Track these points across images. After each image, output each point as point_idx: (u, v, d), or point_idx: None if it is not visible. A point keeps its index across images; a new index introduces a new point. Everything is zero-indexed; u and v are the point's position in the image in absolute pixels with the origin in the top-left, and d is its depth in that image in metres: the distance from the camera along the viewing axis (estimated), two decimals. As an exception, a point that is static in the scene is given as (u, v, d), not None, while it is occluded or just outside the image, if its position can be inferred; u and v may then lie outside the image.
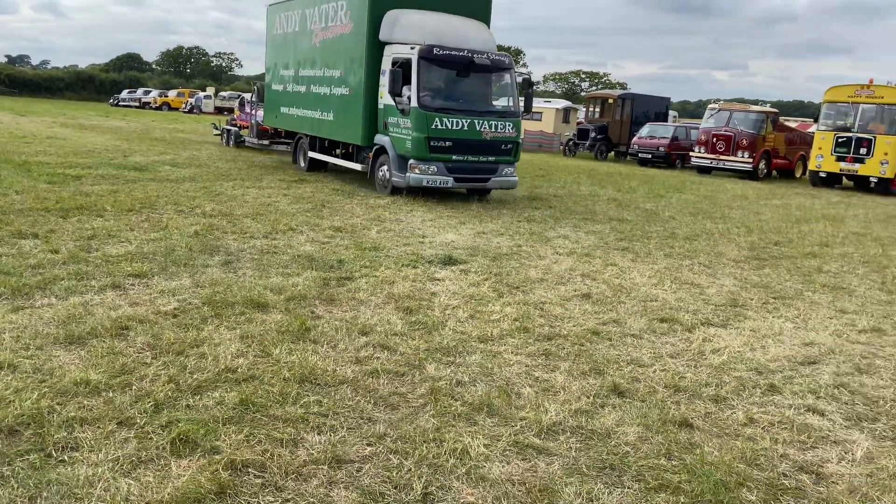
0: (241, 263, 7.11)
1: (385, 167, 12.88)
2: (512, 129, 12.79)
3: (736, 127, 24.73)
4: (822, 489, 3.54)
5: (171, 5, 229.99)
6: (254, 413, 3.86)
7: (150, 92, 63.73)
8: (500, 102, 13.52)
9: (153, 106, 57.76)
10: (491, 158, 12.67)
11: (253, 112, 20.99)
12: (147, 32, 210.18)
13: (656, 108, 32.67)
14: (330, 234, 9.02)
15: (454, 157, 12.27)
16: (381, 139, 12.96)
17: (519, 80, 13.53)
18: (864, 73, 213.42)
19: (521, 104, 13.52)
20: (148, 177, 13.14)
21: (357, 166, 14.06)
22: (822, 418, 4.38)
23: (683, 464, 3.65)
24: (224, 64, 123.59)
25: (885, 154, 21.42)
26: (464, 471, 3.46)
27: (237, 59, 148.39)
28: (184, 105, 55.12)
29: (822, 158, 22.79)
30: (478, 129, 12.36)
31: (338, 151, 15.17)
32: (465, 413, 4.07)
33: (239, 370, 4.40)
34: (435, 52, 12.14)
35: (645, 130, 28.96)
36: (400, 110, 12.26)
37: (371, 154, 13.28)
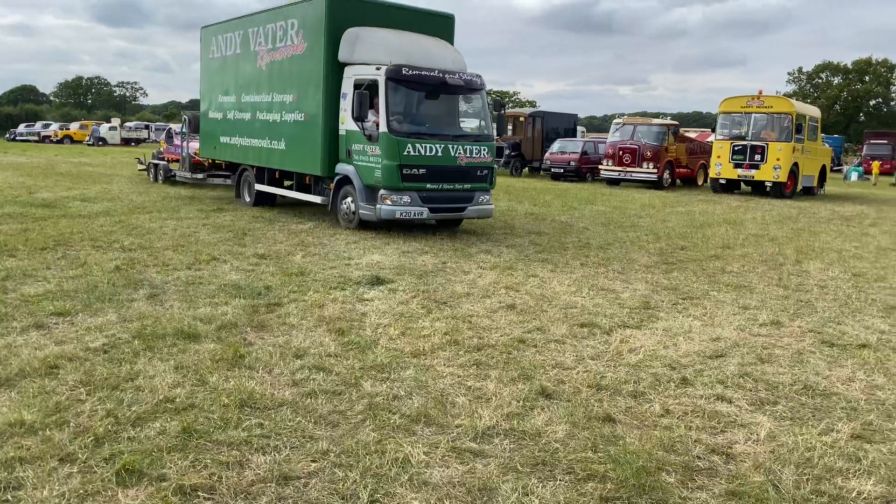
0: (168, 296, 7.08)
1: (350, 199, 11.91)
2: (487, 153, 11.94)
3: (640, 140, 25.95)
4: (731, 467, 3.90)
5: (68, 34, 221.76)
6: (197, 439, 3.93)
7: (49, 125, 61.24)
8: (473, 125, 12.82)
9: (54, 139, 55.49)
10: (467, 186, 11.78)
11: (184, 144, 19.40)
12: (43, 63, 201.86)
13: (565, 125, 33.87)
14: (254, 261, 9.04)
15: (428, 186, 11.34)
16: (344, 168, 11.97)
17: (490, 101, 12.75)
18: (754, 83, 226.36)
19: (494, 127, 12.62)
20: (58, 213, 12.75)
21: (316, 199, 12.89)
22: (729, 405, 4.79)
23: (608, 454, 3.95)
24: (128, 94, 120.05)
25: (778, 160, 22.94)
26: (406, 478, 3.64)
27: (142, 89, 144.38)
28: (87, 138, 53.17)
29: (721, 166, 24.18)
30: (452, 154, 11.45)
31: (287, 183, 14.07)
32: (403, 424, 4.26)
33: (177, 399, 4.45)
34: (404, 72, 11.20)
35: (556, 146, 29.96)
36: (367, 136, 11.31)
37: (332, 185, 12.25)
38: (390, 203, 11.13)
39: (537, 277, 8.66)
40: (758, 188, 24.07)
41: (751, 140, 23.50)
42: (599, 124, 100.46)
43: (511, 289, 8.00)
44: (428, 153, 11.25)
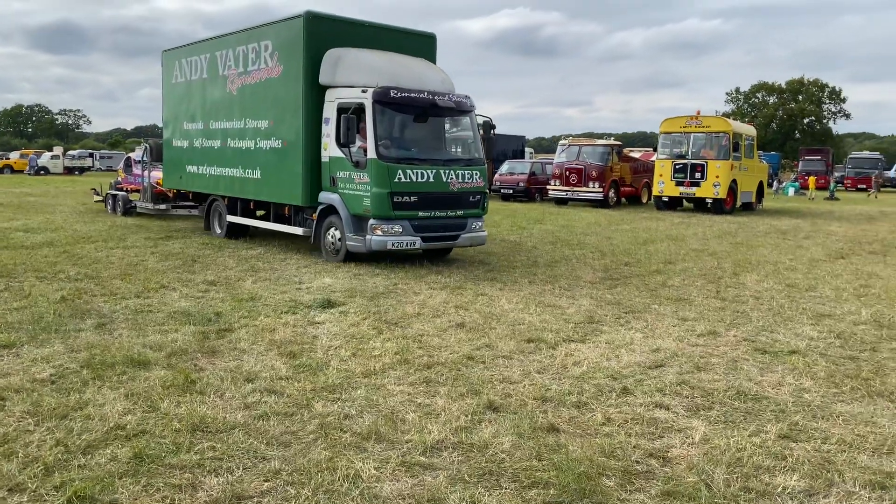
0: (116, 325, 7.04)
1: (335, 230, 11.25)
2: (479, 178, 11.38)
3: (585, 160, 26.58)
4: (667, 469, 4.12)
5: (6, 62, 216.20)
6: (149, 464, 3.97)
7: (-13, 154, 59.48)
8: (463, 149, 12.36)
9: (-8, 169, 53.86)
10: (459, 212, 11.20)
11: (145, 173, 18.28)
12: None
13: (514, 146, 34.51)
14: (204, 288, 9.03)
15: (420, 214, 10.75)
16: (328, 197, 11.28)
17: (480, 122, 12.15)
18: (695, 103, 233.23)
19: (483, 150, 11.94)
20: (0, 245, 12.50)
21: (297, 230, 12.20)
22: (667, 412, 5.02)
23: (552, 462, 4.13)
24: (70, 121, 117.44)
25: (717, 177, 23.76)
26: (357, 493, 3.75)
27: (85, 116, 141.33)
28: (28, 167, 51.81)
29: (664, 184, 24.93)
30: (444, 180, 10.90)
31: (259, 213, 13.65)
32: (354, 442, 4.37)
33: (128, 426, 4.48)
34: (392, 94, 10.62)
35: (505, 167, 30.46)
36: (354, 163, 10.65)
37: (315, 215, 11.59)
38: (381, 233, 10.47)
39: (486, 296, 8.85)
40: (699, 205, 24.85)
41: (691, 159, 24.31)
42: (548, 145, 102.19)
43: (461, 308, 8.17)
44: (419, 179, 10.69)
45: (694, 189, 24.21)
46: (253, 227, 13.86)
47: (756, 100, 79.95)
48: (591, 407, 5.08)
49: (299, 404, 4.99)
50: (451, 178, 10.99)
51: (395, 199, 10.51)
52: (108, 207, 19.77)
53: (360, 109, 10.67)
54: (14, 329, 6.72)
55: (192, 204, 16.79)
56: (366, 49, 11.49)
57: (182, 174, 15.46)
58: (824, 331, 7.50)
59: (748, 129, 27.27)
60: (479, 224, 11.59)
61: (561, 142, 29.32)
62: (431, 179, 10.80)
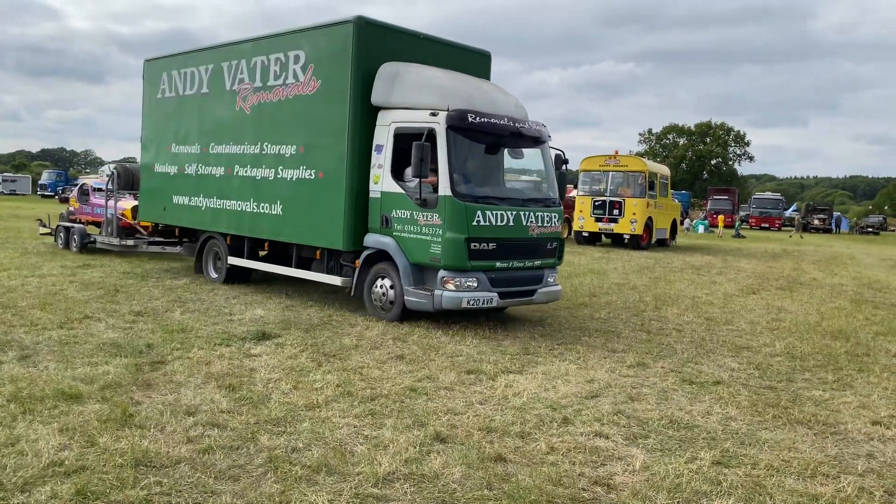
0: (41, 357, 6.74)
1: (386, 281, 9.33)
2: (557, 221, 9.64)
3: (510, 194, 27.12)
4: (612, 496, 4.28)
5: None
6: (94, 501, 3.84)
7: None
8: (538, 186, 10.30)
9: None
10: (537, 262, 9.45)
11: (109, 203, 15.63)
12: None
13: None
14: (131, 318, 8.75)
15: (498, 265, 8.95)
16: (378, 241, 9.35)
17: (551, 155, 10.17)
18: (608, 142, 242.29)
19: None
20: None
21: (330, 279, 10.16)
22: (607, 440, 5.22)
23: (503, 491, 4.23)
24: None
25: (634, 214, 24.74)
26: (313, 525, 3.74)
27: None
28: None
29: (584, 220, 25.78)
30: (524, 223, 9.13)
31: (260, 252, 11.57)
32: (305, 475, 4.35)
33: (66, 462, 4.31)
34: (470, 118, 8.77)
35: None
36: (420, 200, 8.77)
37: (359, 262, 9.67)
38: (454, 288, 8.63)
39: (423, 328, 8.93)
40: (617, 240, 25.77)
41: (609, 196, 25.25)
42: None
43: (399, 339, 8.22)
44: (499, 222, 8.88)
45: (612, 225, 25.10)
46: (264, 272, 11.69)
47: (667, 141, 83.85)
48: (535, 437, 5.21)
49: (244, 437, 4.92)
50: (531, 222, 9.20)
51: (472, 247, 8.66)
52: (59, 242, 16.88)
53: (429, 135, 8.80)
54: (-72, 361, 6.34)
55: (170, 240, 14.34)
56: (426, 65, 9.75)
57: (167, 205, 13.03)
58: (744, 362, 7.94)
59: (663, 169, 28.55)
60: (554, 276, 9.84)
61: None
62: (511, 223, 9.00)
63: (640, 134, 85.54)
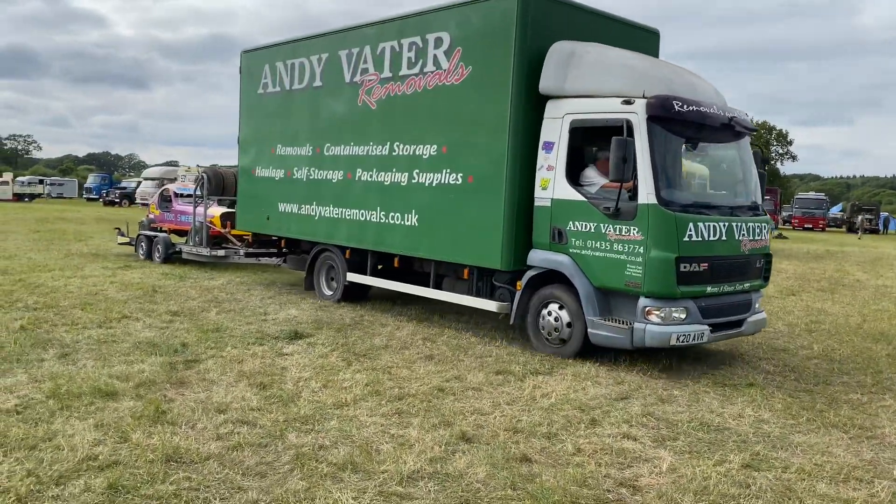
0: (80, 355, 6.93)
1: (559, 308, 7.76)
2: (766, 234, 7.95)
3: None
4: (638, 498, 4.24)
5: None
6: (124, 495, 3.94)
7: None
8: (743, 191, 8.18)
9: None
10: (746, 285, 7.70)
11: (198, 210, 14.32)
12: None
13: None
14: (168, 318, 8.93)
15: (709, 290, 7.26)
16: (548, 259, 7.78)
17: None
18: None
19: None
20: (-49, 272, 12.16)
21: (485, 304, 8.52)
22: (634, 442, 5.17)
23: (526, 492, 4.22)
24: (20, 147, 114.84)
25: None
26: (337, 522, 3.78)
27: (35, 142, 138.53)
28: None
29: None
30: (736, 237, 7.44)
31: (379, 267, 10.17)
32: (331, 472, 4.39)
33: (100, 457, 4.43)
34: (676, 107, 7.06)
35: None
36: (612, 210, 7.16)
37: (521, 284, 8.08)
38: (660, 320, 6.96)
39: (452, 329, 8.95)
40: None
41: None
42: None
43: (428, 340, 8.25)
44: (712, 237, 7.19)
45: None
46: (391, 291, 10.05)
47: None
48: (562, 437, 5.19)
49: (273, 435, 4.99)
50: (743, 235, 7.52)
51: (682, 268, 6.95)
52: (141, 252, 15.69)
53: (609, 130, 7.21)
54: (-27, 358, 6.56)
55: (268, 251, 13.02)
56: (606, 45, 8.05)
57: (271, 214, 11.63)
58: (779, 364, 7.79)
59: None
60: (760, 300, 8.16)
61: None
62: (724, 237, 7.30)
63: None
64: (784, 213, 53.73)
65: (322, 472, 4.38)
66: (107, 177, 62.47)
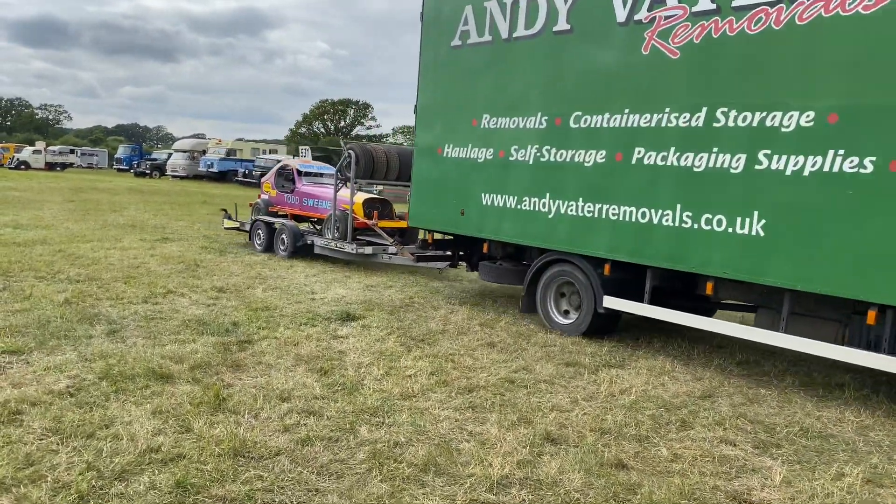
0: (128, 332, 6.62)
1: None
2: None
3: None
4: (756, 516, 3.81)
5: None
6: (195, 495, 3.58)
7: (-34, 146, 58.25)
8: None
9: (-29, 162, 52.75)
10: None
11: (339, 194, 11.74)
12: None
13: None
14: (214, 294, 8.61)
15: None
16: None
17: None
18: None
19: None
20: (-10, 240, 11.96)
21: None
22: (734, 448, 4.72)
23: (632, 504, 3.81)
24: (51, 117, 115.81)
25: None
26: (429, 534, 3.40)
27: (66, 112, 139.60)
28: (9, 161, 50.77)
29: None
30: None
31: (662, 293, 7.25)
32: (413, 475, 4.01)
33: (162, 449, 4.08)
34: None
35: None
36: None
37: None
38: None
39: (509, 314, 8.53)
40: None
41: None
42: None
43: (486, 326, 7.84)
44: None
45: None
46: (679, 326, 6.99)
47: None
48: (654, 441, 4.76)
49: (342, 428, 4.62)
50: None
51: None
52: (258, 242, 12.83)
53: None
54: (20, 333, 6.27)
55: (433, 254, 10.04)
56: None
57: (468, 207, 8.74)
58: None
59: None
60: None
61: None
62: None
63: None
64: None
65: (403, 475, 3.99)
66: (137, 148, 62.58)
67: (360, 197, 12.21)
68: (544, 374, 6.15)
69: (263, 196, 14.34)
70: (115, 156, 61.82)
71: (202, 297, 8.46)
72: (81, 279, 8.96)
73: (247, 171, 40.62)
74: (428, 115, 9.37)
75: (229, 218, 14.26)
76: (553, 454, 4.42)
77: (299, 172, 13.91)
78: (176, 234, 14.53)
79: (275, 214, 13.59)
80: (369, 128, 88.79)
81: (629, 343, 7.49)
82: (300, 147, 12.61)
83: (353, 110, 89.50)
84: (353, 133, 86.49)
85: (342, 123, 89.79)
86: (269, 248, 12.61)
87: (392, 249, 10.91)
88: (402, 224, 11.52)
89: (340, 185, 11.73)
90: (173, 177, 46.72)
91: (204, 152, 47.39)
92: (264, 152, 45.47)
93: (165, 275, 9.73)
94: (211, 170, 44.18)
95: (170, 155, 50.77)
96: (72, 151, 60.86)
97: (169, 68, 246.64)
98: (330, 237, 11.77)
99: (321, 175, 14.27)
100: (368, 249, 11.08)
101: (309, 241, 12.06)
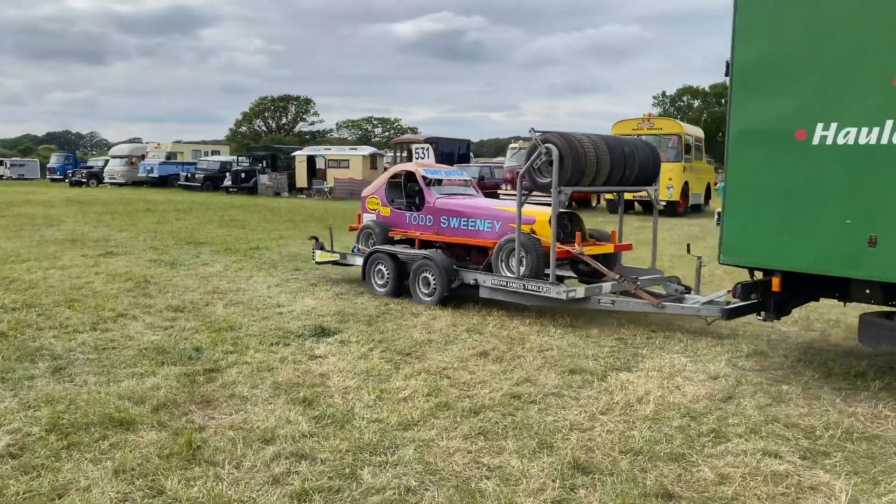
0: (77, 367, 5.82)
1: None
2: None
3: (539, 163, 25.90)
4: (836, 549, 3.32)
5: None
6: (178, 587, 2.91)
7: None
8: None
9: None
10: None
11: (530, 210, 8.54)
12: None
13: (460, 150, 33.72)
14: (170, 315, 7.82)
15: None
16: None
17: None
18: (618, 108, 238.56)
19: None
20: (-89, 267, 10.83)
21: None
22: (780, 461, 4.24)
23: (697, 548, 3.27)
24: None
25: (670, 179, 23.57)
26: None
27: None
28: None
29: (618, 187, 24.51)
30: None
31: None
32: (435, 529, 3.41)
33: (132, 523, 3.39)
34: None
35: (453, 172, 29.56)
36: None
37: None
38: None
39: (494, 317, 7.96)
40: (648, 207, 24.67)
41: (645, 161, 23.97)
42: (476, 149, 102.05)
43: (473, 332, 7.26)
44: None
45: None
46: None
47: (682, 103, 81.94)
48: (692, 459, 4.25)
49: (342, 474, 3.98)
50: None
51: None
52: (377, 283, 9.30)
53: None
54: (-52, 380, 5.43)
55: (749, 304, 6.36)
56: None
57: (880, 233, 5.05)
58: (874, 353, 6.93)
59: (697, 132, 27.37)
60: None
61: (511, 145, 28.78)
62: None
63: (653, 97, 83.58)
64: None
65: (425, 531, 3.38)
66: (70, 156, 59.89)
67: (542, 212, 8.53)
68: (550, 385, 5.60)
69: (369, 216, 10.32)
70: (48, 165, 58.97)
71: (157, 318, 7.66)
72: (18, 307, 8.04)
73: (189, 175, 39.16)
74: (765, 76, 5.59)
75: (322, 248, 10.45)
76: (588, 486, 3.87)
77: (428, 181, 9.88)
78: (120, 247, 13.53)
79: (392, 241, 9.89)
80: (312, 123, 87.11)
81: (629, 342, 7.01)
82: (415, 146, 9.27)
83: (294, 106, 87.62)
84: (297, 129, 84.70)
85: (283, 120, 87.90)
86: (397, 289, 9.10)
87: (616, 287, 7.74)
88: (608, 248, 8.59)
89: (524, 195, 8.07)
90: (112, 184, 44.74)
91: (143, 157, 45.54)
92: (206, 154, 43.91)
93: (113, 295, 8.85)
94: (151, 175, 42.48)
95: (106, 162, 48.62)
96: (0, 163, 57.87)
97: (98, 72, 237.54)
98: (512, 274, 8.07)
99: (451, 182, 10.24)
100: (581, 292, 7.64)
101: (470, 281, 8.54)
